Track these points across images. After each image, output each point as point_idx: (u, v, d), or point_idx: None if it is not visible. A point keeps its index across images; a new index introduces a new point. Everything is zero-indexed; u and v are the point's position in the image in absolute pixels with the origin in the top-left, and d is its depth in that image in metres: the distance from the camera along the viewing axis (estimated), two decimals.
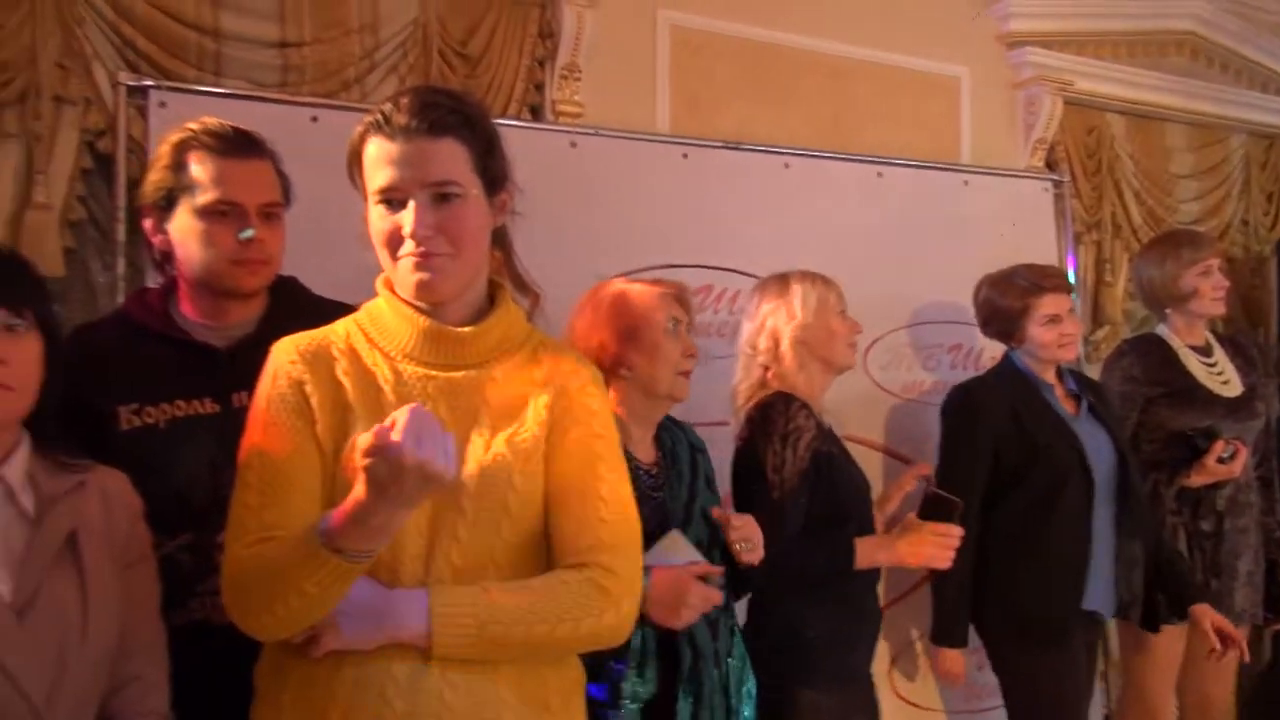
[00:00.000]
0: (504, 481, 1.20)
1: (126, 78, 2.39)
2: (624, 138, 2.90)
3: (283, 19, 2.60)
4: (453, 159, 1.18)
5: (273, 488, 1.15)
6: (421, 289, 1.21)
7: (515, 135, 2.88)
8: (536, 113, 2.94)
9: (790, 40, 3.25)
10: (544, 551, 1.25)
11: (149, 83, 2.40)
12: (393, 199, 1.19)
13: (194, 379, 1.49)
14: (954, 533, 2.16)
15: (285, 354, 1.23)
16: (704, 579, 1.67)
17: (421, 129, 1.17)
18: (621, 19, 2.98)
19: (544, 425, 1.24)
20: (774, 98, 3.22)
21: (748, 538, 1.87)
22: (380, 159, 1.19)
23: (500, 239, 1.39)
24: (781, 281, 2.35)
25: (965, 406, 2.68)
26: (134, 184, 2.37)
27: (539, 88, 2.94)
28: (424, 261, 1.19)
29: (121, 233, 2.37)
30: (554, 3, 2.86)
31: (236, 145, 1.56)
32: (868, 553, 2.14)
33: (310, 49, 2.62)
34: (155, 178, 1.58)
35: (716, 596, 1.69)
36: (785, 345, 2.27)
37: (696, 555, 1.75)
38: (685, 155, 2.98)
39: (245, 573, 1.11)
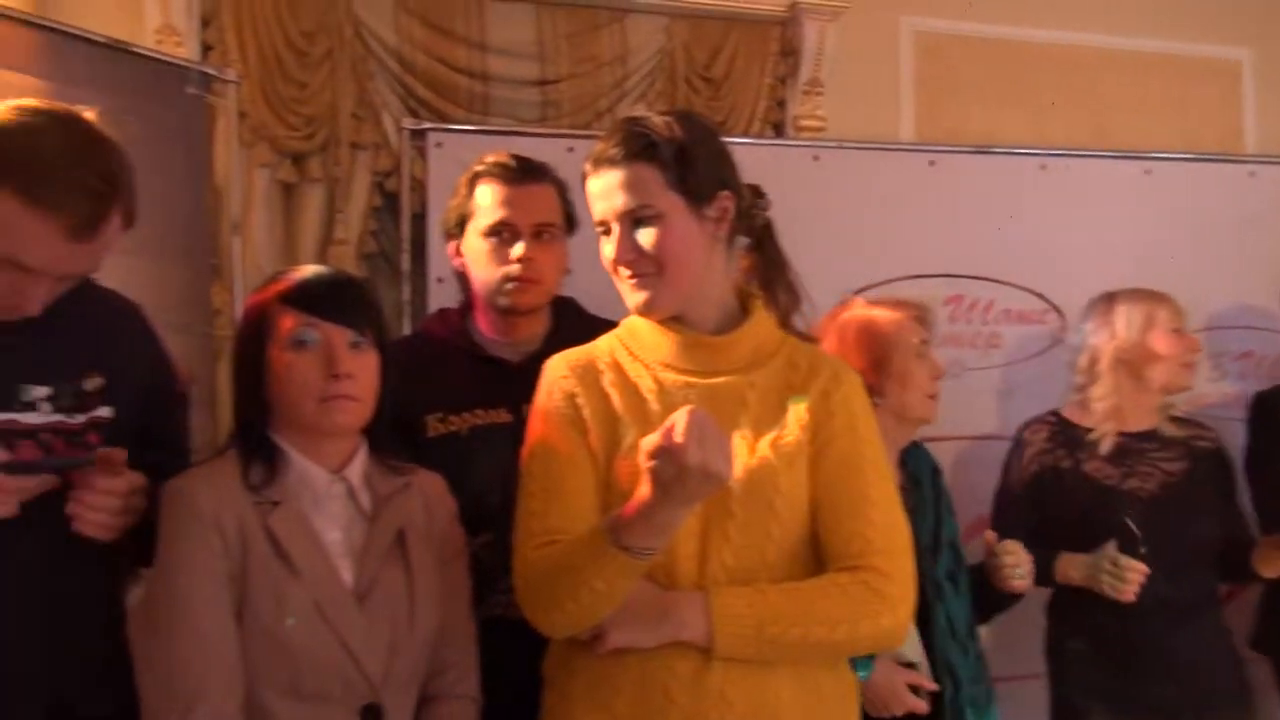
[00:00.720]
0: (769, 484, 1.23)
1: (409, 123, 2.65)
2: (868, 148, 2.87)
3: (542, 58, 2.79)
4: (642, 183, 1.23)
5: (554, 494, 1.23)
6: (640, 309, 1.28)
7: (757, 153, 2.98)
8: (779, 129, 2.98)
9: (1040, 36, 3.11)
10: (813, 554, 1.27)
11: (427, 125, 2.64)
12: (603, 231, 1.29)
13: (491, 390, 1.62)
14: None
15: (557, 370, 1.32)
16: (915, 690, 1.66)
17: (611, 159, 1.24)
18: (863, 30, 2.97)
19: (806, 429, 1.26)
20: (1024, 97, 3.09)
21: (1020, 564, 1.83)
22: (591, 195, 1.29)
23: (761, 242, 1.42)
24: (1107, 300, 2.25)
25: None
26: (416, 218, 2.64)
27: (780, 104, 2.98)
28: (636, 283, 1.26)
29: (406, 262, 2.62)
30: (795, 20, 2.90)
31: (517, 173, 1.68)
32: None
33: (566, 84, 2.80)
34: (453, 204, 1.74)
35: (920, 707, 1.66)
36: (1103, 365, 2.17)
37: (921, 656, 1.72)
38: (931, 162, 2.90)
39: (536, 572, 1.20)
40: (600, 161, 1.27)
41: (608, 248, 1.28)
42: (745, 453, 1.24)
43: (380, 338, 1.29)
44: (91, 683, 1.30)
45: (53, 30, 1.98)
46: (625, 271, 1.27)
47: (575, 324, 1.69)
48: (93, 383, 1.30)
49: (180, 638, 1.13)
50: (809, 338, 1.58)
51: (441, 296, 2.49)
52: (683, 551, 1.22)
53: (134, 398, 1.35)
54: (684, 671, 1.19)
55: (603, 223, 1.28)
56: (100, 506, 1.21)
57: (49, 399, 1.27)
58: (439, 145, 2.64)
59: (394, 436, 1.36)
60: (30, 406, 1.25)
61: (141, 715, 1.19)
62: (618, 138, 1.26)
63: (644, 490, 1.09)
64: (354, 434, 1.29)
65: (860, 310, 1.94)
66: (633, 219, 1.25)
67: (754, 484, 1.23)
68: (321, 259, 2.64)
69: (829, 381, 1.31)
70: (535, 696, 1.33)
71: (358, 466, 1.29)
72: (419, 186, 2.64)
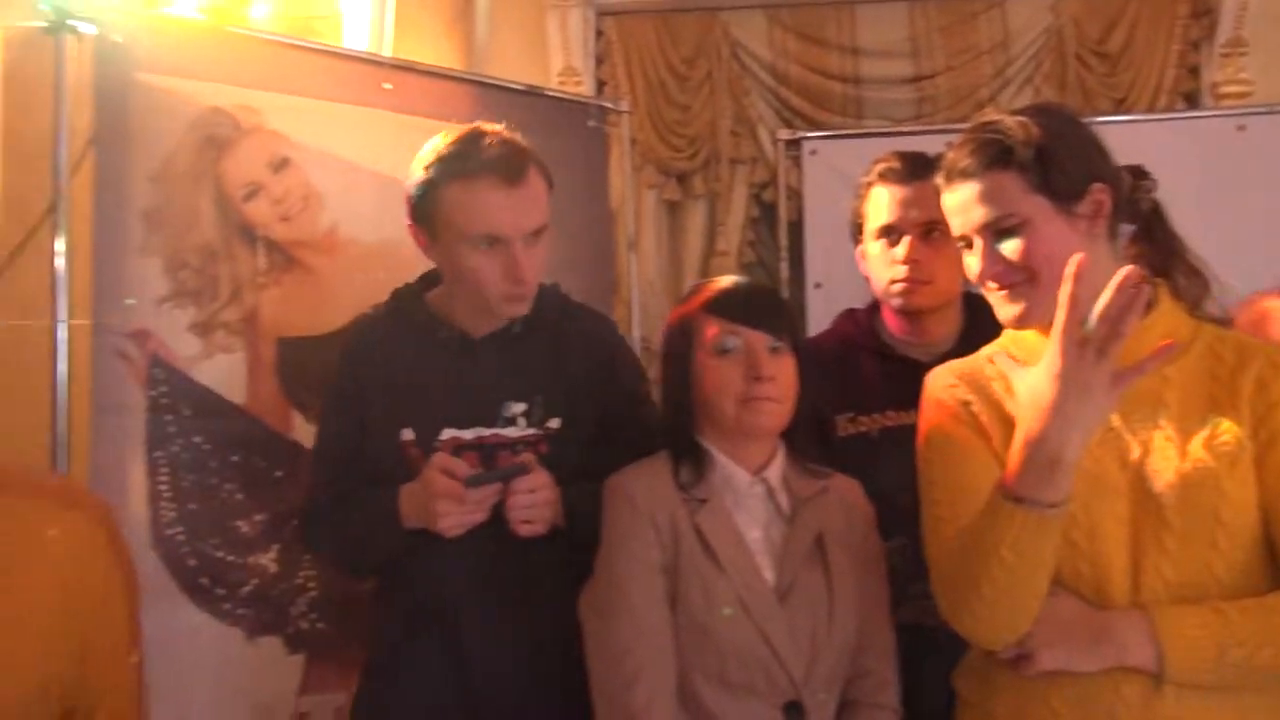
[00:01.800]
0: (1211, 489, 1.09)
1: (784, 134, 2.72)
2: None
3: (915, 55, 2.74)
4: (1001, 192, 1.15)
5: (959, 491, 1.18)
6: (1015, 322, 1.20)
7: (1167, 129, 2.68)
8: (1192, 99, 2.65)
9: None
10: (1269, 566, 1.11)
11: (801, 135, 2.69)
12: (965, 245, 1.22)
13: (901, 391, 1.53)
14: None
15: (944, 380, 1.28)
16: None
17: (964, 171, 1.18)
18: None
19: (1247, 424, 1.11)
20: None
21: None
22: (947, 209, 1.23)
23: (1149, 227, 1.28)
24: None
25: None
26: (792, 226, 2.70)
27: (1194, 71, 2.65)
28: (1008, 295, 1.18)
29: (784, 269, 2.68)
30: None
31: (903, 172, 1.63)
32: None
33: (943, 78, 2.72)
34: (853, 209, 1.75)
35: None
36: None
37: None
38: None
39: (947, 562, 1.16)
40: (953, 174, 1.20)
41: (971, 261, 1.22)
42: (1175, 456, 1.12)
43: (796, 342, 1.33)
44: (555, 664, 1.38)
45: (481, 83, 2.29)
46: (994, 285, 1.20)
47: (989, 322, 1.61)
48: (550, 396, 1.43)
49: (621, 620, 1.23)
50: (1227, 323, 1.38)
51: (819, 301, 2.53)
52: (1115, 565, 1.12)
53: (588, 407, 1.44)
54: (1132, 697, 1.09)
55: (963, 237, 1.22)
56: (525, 506, 1.33)
57: (524, 414, 1.40)
58: (813, 153, 2.68)
59: (810, 439, 1.39)
60: (510, 421, 1.40)
61: (591, 683, 1.27)
62: (969, 147, 1.19)
63: (1024, 422, 1.04)
64: (773, 436, 1.33)
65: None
66: (995, 230, 1.18)
67: (1191, 490, 1.10)
68: (704, 271, 2.79)
69: (1265, 369, 1.14)
70: (948, 711, 1.28)
71: (776, 468, 1.32)
72: (795, 195, 2.70)
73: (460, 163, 1.33)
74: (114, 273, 1.67)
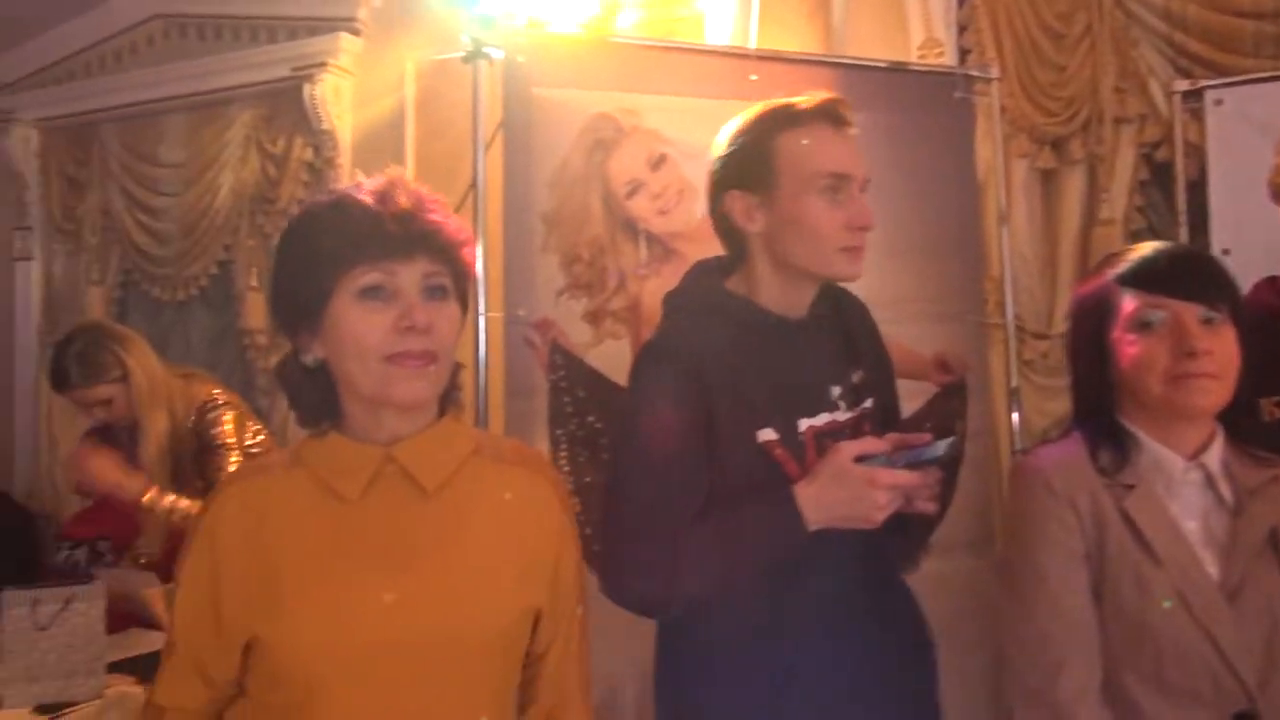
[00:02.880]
0: None
1: (1181, 85, 2.43)
2: None
3: None
4: None
5: None
6: None
7: None
8: None
9: None
10: None
11: (1204, 84, 2.39)
12: None
13: None
14: None
15: None
16: None
17: None
18: None
19: None
20: None
21: None
22: None
23: None
24: None
25: None
26: (1192, 186, 2.42)
27: None
28: None
29: (1183, 236, 2.41)
30: None
31: None
32: None
33: None
34: (1273, 165, 1.55)
35: None
36: None
37: None
38: None
39: None
40: None
41: None
42: None
43: (1236, 310, 1.20)
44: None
45: (844, 65, 2.28)
46: None
47: None
48: (858, 376, 1.39)
49: (1040, 610, 1.18)
50: None
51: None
52: None
53: (882, 384, 1.44)
54: None
55: None
56: (937, 481, 1.26)
57: (841, 397, 1.35)
58: (1218, 103, 2.38)
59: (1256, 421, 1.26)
60: (834, 405, 1.34)
61: (1006, 673, 1.24)
62: None
63: None
64: (1209, 417, 1.21)
65: None
66: None
67: None
68: (1084, 242, 2.57)
69: None
70: None
71: (1216, 453, 1.21)
72: (1194, 152, 2.41)
73: (785, 115, 1.31)
74: (521, 270, 1.88)
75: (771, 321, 1.32)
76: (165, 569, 2.34)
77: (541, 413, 1.87)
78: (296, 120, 3.10)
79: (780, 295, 1.33)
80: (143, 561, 2.50)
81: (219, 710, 1.08)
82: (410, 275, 1.01)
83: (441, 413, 1.10)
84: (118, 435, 2.41)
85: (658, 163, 1.94)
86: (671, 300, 1.40)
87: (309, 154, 3.10)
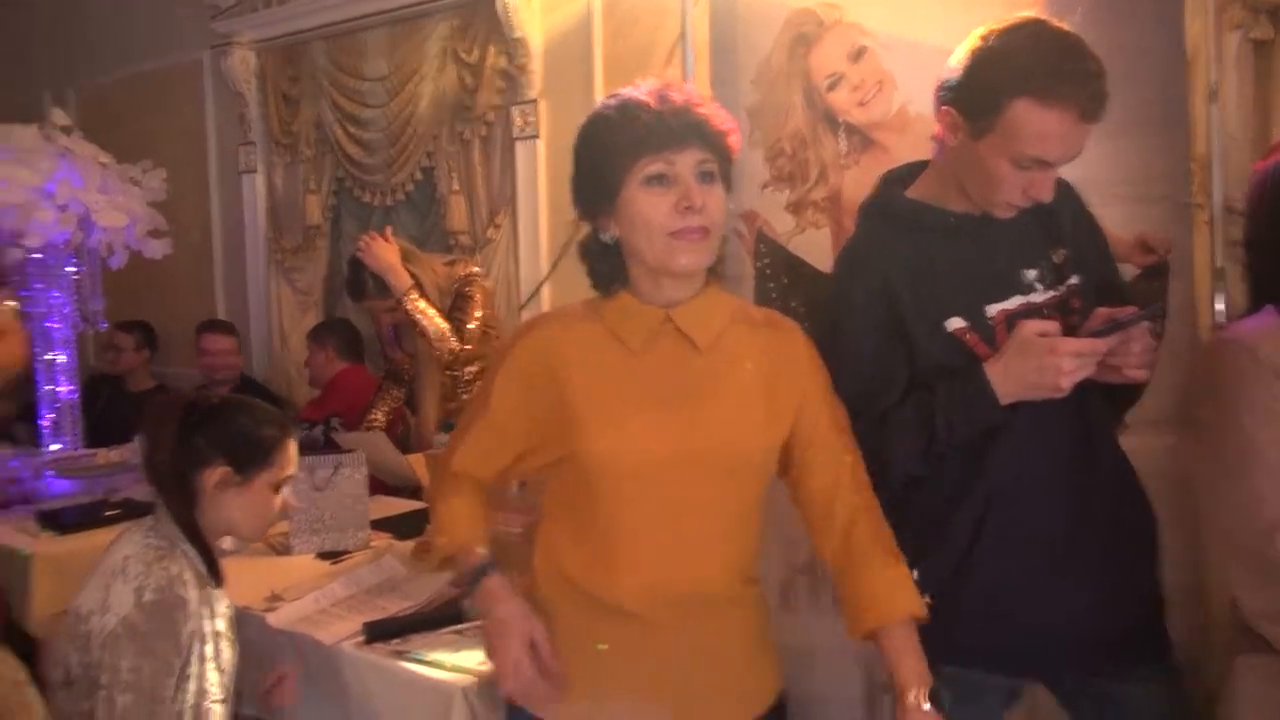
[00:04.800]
0: None
1: None
2: None
3: None
4: None
5: None
6: None
7: None
8: None
9: None
10: None
11: None
12: None
13: None
14: None
15: None
16: None
17: None
18: None
19: None
20: None
21: None
22: None
23: None
24: None
25: None
26: None
27: None
28: None
29: None
30: None
31: None
32: None
33: None
34: None
35: None
36: None
37: None
38: None
39: None
40: None
41: None
42: None
43: None
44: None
45: None
46: None
47: None
48: (1060, 255, 1.43)
49: (1253, 472, 1.21)
50: None
51: None
52: None
53: (1093, 259, 1.46)
54: None
55: None
56: (1151, 349, 1.32)
57: (1038, 279, 1.40)
58: None
59: None
60: (1029, 288, 1.40)
61: (1216, 539, 1.32)
62: None
63: None
64: None
65: None
66: None
67: None
68: None
69: None
70: None
71: None
72: None
73: (1044, 80, 1.26)
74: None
75: (951, 221, 1.40)
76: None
77: (747, 297, 2.00)
78: (489, 30, 3.25)
79: (961, 198, 1.40)
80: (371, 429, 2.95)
81: (494, 484, 1.37)
82: (686, 162, 1.19)
83: (707, 282, 1.29)
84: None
85: (857, 55, 2.00)
86: (863, 209, 1.51)
87: (502, 61, 3.26)
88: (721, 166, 1.23)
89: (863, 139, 2.01)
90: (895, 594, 1.27)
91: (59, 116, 2.92)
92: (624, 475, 1.24)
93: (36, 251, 2.73)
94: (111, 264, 2.94)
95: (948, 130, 1.38)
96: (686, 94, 1.22)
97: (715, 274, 1.31)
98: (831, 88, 1.99)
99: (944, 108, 1.37)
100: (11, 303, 2.76)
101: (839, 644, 1.60)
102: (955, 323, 1.38)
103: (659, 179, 1.19)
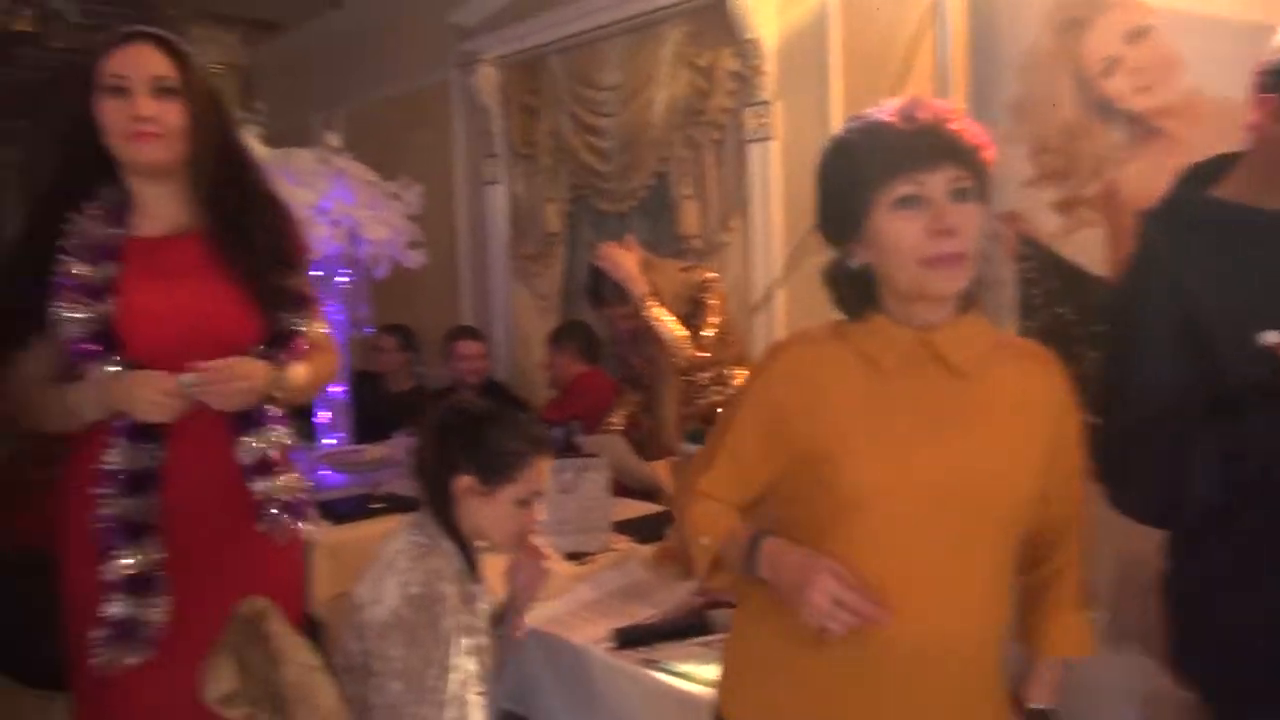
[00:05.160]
0: None
1: None
2: None
3: None
4: None
5: None
6: None
7: None
8: None
9: None
10: None
11: None
12: None
13: None
14: None
15: None
16: None
17: None
18: None
19: None
20: None
21: None
22: None
23: None
24: None
25: None
26: None
27: None
28: None
29: None
30: None
31: None
32: None
33: None
34: None
35: None
36: None
37: None
38: None
39: None
40: None
41: None
42: None
43: None
44: None
45: None
46: None
47: None
48: None
49: None
50: None
51: None
52: None
53: None
54: None
55: None
56: None
57: None
58: None
59: None
60: None
61: None
62: None
63: None
64: None
65: None
66: None
67: None
68: None
69: None
70: None
71: None
72: None
73: None
74: None
75: (1264, 221, 1.27)
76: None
77: (1007, 304, 1.87)
78: (721, 33, 3.24)
79: (1269, 192, 1.27)
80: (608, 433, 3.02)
81: (741, 508, 1.31)
82: (938, 182, 1.12)
83: (964, 306, 1.21)
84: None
85: (1138, 36, 1.82)
86: (1148, 220, 1.38)
87: (735, 64, 3.24)
88: (976, 183, 1.15)
89: (1145, 129, 1.83)
90: (1078, 635, 1.30)
91: (333, 139, 3.18)
92: (879, 508, 1.16)
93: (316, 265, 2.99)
94: (376, 274, 3.17)
95: (1271, 119, 1.24)
96: (934, 109, 1.15)
97: (969, 299, 1.21)
98: (1107, 73, 1.83)
99: (1266, 94, 1.24)
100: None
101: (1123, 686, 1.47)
102: (1270, 336, 1.24)
103: (910, 201, 1.13)
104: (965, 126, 1.15)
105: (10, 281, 1.56)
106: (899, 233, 1.13)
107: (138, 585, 1.52)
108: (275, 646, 1.44)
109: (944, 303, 1.19)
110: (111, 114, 1.53)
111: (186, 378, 1.52)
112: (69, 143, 1.58)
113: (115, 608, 1.52)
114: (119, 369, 1.51)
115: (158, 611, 1.53)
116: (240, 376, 1.57)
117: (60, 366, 1.57)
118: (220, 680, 1.43)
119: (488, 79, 4.12)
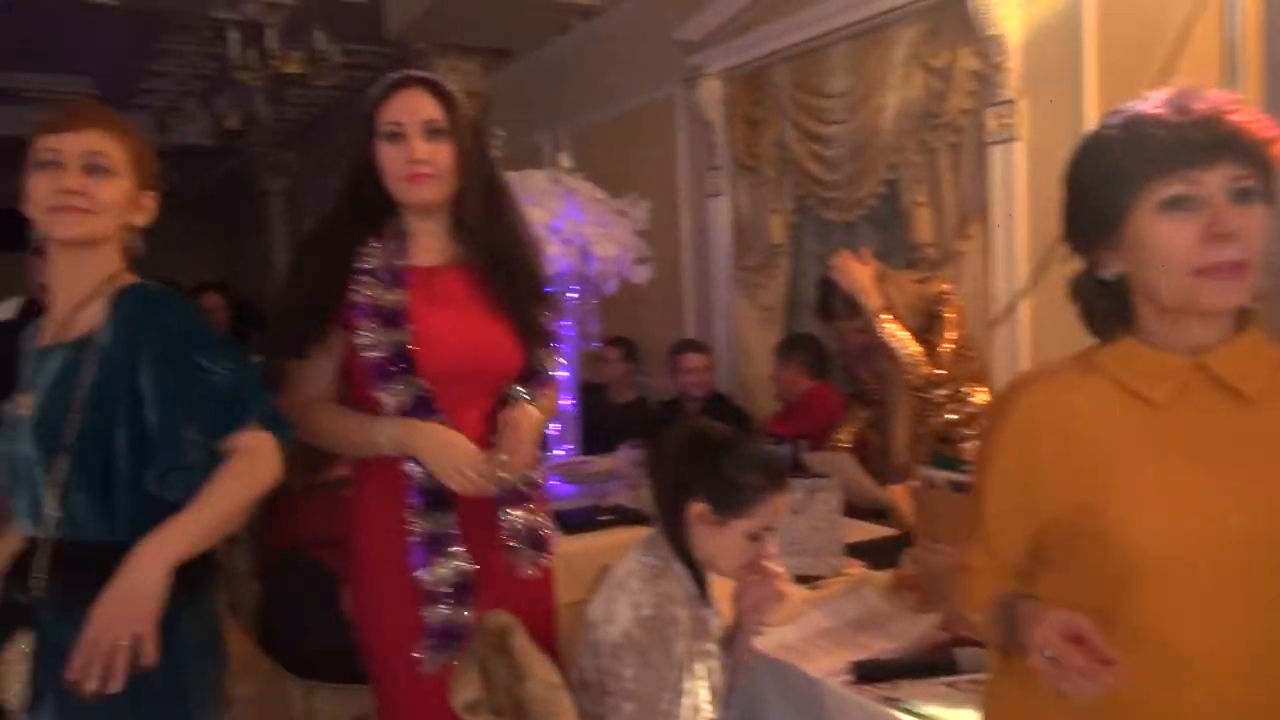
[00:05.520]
0: None
1: None
2: None
3: None
4: None
5: None
6: None
7: None
8: None
9: None
10: None
11: None
12: None
13: None
14: None
15: None
16: None
17: None
18: None
19: None
20: None
21: None
22: None
23: None
24: None
25: None
26: None
27: None
28: None
29: None
30: None
31: None
32: None
33: None
34: None
35: None
36: None
37: None
38: None
39: None
40: None
41: None
42: None
43: None
44: None
45: None
46: None
47: None
48: None
49: None
50: None
51: None
52: None
53: None
54: None
55: None
56: None
57: None
58: None
59: None
60: None
61: None
62: None
63: None
64: None
65: None
66: None
67: None
68: None
69: None
70: None
71: None
72: None
73: None
74: None
75: None
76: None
77: None
78: (959, 31, 3.08)
79: None
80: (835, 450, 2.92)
81: (1016, 571, 1.16)
82: (1215, 181, 0.99)
83: (1240, 322, 1.06)
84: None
85: None
86: None
87: (974, 62, 3.06)
88: (1261, 181, 0.99)
89: None
90: None
91: (565, 160, 3.27)
92: (1175, 570, 1.02)
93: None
94: (605, 290, 3.23)
95: None
96: (1211, 100, 1.01)
97: (1246, 315, 1.06)
98: None
99: None
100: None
101: None
102: None
103: (1181, 202, 0.99)
104: (1249, 118, 1.00)
105: (297, 298, 1.66)
106: (1168, 238, 1.00)
107: (457, 592, 1.60)
108: (519, 661, 1.47)
109: (1218, 319, 1.04)
110: (390, 159, 1.61)
111: (501, 458, 1.57)
112: (351, 182, 1.68)
113: (437, 613, 1.59)
114: (428, 420, 1.58)
115: (472, 615, 1.60)
116: (532, 441, 1.63)
117: (340, 386, 1.66)
118: (466, 688, 1.48)
119: (711, 92, 4.12)
